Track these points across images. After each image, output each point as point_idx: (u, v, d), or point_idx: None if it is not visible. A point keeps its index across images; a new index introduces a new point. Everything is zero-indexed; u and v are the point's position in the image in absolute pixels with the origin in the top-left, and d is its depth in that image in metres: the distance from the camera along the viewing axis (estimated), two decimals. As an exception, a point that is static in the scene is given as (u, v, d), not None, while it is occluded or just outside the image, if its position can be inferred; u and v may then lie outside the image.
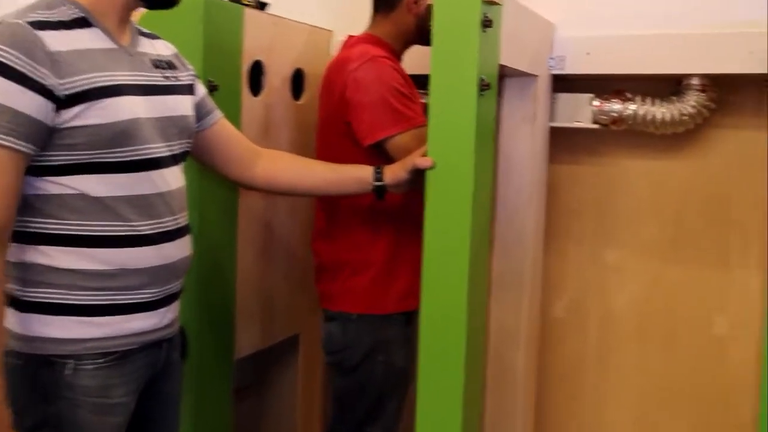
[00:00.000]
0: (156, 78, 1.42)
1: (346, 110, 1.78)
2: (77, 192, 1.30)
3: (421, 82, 1.85)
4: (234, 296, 1.93)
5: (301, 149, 2.13)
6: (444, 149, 1.51)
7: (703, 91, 2.05)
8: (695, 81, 2.05)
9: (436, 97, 1.51)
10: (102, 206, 1.32)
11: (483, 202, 1.58)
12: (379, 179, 1.64)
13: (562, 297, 2.32)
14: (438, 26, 1.51)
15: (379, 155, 1.75)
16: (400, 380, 1.86)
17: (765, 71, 1.91)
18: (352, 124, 1.78)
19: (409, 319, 1.86)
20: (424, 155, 1.55)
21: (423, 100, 1.83)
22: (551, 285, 2.29)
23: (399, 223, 1.83)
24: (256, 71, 2.02)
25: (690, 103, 2.06)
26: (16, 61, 1.22)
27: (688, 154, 2.17)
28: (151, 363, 1.44)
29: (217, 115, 1.61)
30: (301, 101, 2.21)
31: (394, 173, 1.63)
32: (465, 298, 1.49)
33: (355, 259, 1.84)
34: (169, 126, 1.42)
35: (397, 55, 1.89)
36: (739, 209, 2.12)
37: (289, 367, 2.31)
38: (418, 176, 1.59)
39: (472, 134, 1.49)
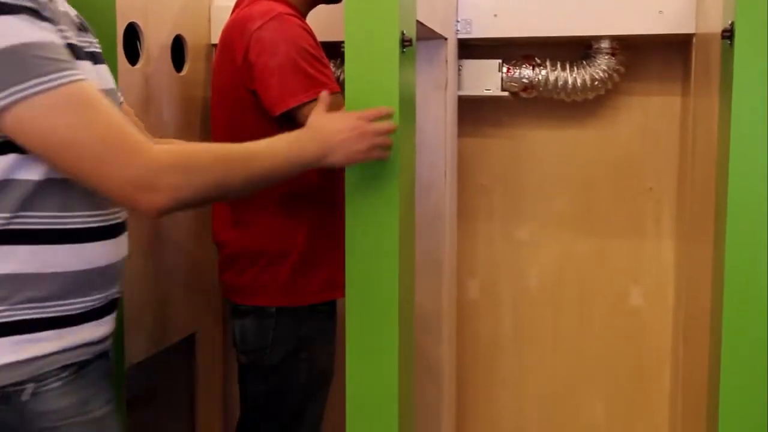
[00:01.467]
0: (92, 43, 1.19)
1: (249, 76, 1.56)
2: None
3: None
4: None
5: (185, 127, 1.92)
6: (365, 115, 1.33)
7: (612, 54, 2.01)
8: (605, 44, 2.00)
9: (352, 53, 1.32)
10: (47, 192, 1.06)
11: (409, 174, 1.41)
12: None
13: (475, 277, 2.21)
14: (351, -27, 1.32)
15: (290, 128, 1.53)
16: (325, 379, 1.68)
17: (674, 31, 1.87)
18: (258, 92, 1.56)
19: (332, 311, 1.68)
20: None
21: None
22: (463, 265, 2.18)
23: (318, 205, 1.64)
24: (131, 36, 1.78)
25: (601, 67, 2.01)
26: None
27: (597, 122, 2.14)
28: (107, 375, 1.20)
29: (121, 97, 1.35)
30: (184, 73, 1.98)
31: None
32: (396, 284, 1.32)
33: (271, 247, 1.63)
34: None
35: (301, 15, 1.68)
36: (650, 177, 2.09)
37: (184, 370, 2.09)
38: None
39: (395, 96, 1.31)
